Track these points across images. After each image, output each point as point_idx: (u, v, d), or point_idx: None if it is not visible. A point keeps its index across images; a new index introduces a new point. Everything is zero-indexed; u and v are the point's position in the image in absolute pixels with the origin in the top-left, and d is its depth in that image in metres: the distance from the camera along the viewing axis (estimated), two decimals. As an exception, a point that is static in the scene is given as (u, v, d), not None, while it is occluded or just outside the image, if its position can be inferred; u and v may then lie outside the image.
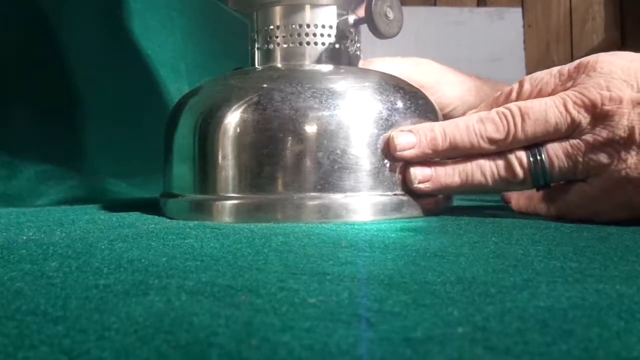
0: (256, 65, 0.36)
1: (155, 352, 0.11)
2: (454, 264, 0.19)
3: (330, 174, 0.30)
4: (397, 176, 0.32)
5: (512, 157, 0.31)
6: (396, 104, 0.32)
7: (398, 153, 0.31)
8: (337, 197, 0.30)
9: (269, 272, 0.18)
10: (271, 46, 0.35)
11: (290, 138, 0.30)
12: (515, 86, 0.33)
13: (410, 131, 0.32)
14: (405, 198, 0.32)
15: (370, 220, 0.30)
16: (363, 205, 0.30)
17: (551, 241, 0.24)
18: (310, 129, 0.30)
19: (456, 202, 0.38)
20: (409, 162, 0.32)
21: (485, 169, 0.31)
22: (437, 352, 0.11)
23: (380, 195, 0.31)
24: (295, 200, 0.30)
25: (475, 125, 0.31)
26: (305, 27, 0.35)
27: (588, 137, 0.29)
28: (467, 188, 0.32)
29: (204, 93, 0.35)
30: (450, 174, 0.32)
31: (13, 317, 0.13)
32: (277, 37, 0.35)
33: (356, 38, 0.36)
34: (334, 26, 0.35)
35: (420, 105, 0.34)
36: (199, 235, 0.25)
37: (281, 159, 0.30)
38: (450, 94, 0.47)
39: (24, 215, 0.35)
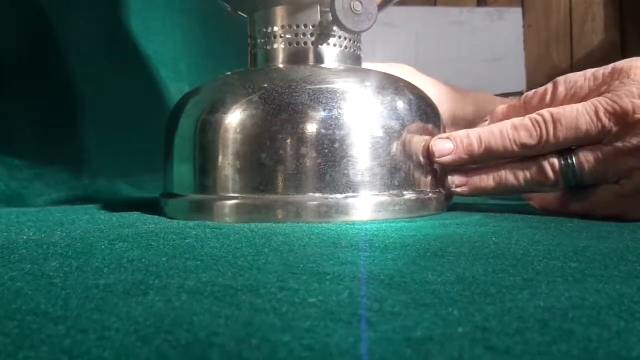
0: (257, 66, 0.36)
1: (155, 352, 0.11)
2: (454, 264, 0.19)
3: (331, 173, 0.30)
4: (398, 177, 0.32)
5: (544, 162, 0.32)
6: (397, 104, 0.32)
7: (437, 159, 0.33)
8: (337, 197, 0.30)
9: (269, 272, 0.18)
10: (271, 46, 0.35)
11: (290, 138, 0.30)
12: (550, 87, 0.34)
13: (448, 138, 0.34)
14: (405, 198, 0.32)
15: (371, 220, 0.30)
16: (363, 205, 0.30)
17: (551, 241, 0.24)
18: (311, 129, 0.30)
19: (456, 202, 0.38)
20: (446, 167, 0.34)
21: (518, 174, 0.33)
22: (438, 352, 0.11)
23: (381, 195, 0.31)
24: (296, 200, 0.30)
25: (510, 132, 0.33)
26: (303, 27, 0.35)
27: (619, 144, 0.30)
28: (502, 191, 0.34)
29: (205, 93, 0.35)
30: (485, 179, 0.34)
31: (14, 317, 0.13)
32: (277, 37, 0.35)
33: (357, 38, 0.36)
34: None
35: (421, 105, 0.34)
36: (200, 235, 0.25)
37: (281, 159, 0.30)
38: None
39: (24, 215, 0.35)
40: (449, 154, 0.33)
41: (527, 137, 0.32)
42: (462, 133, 0.34)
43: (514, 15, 1.58)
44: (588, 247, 0.22)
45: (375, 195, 0.31)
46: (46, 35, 0.53)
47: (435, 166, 0.34)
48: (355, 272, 0.18)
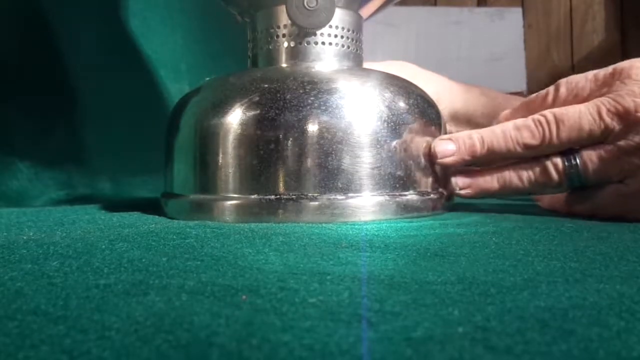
0: (257, 65, 0.36)
1: (155, 352, 0.11)
2: (454, 264, 0.19)
3: (331, 173, 0.30)
4: (398, 177, 0.32)
5: (548, 163, 0.32)
6: (398, 104, 0.32)
7: (439, 160, 0.33)
8: (337, 197, 0.30)
9: (269, 272, 0.18)
10: (272, 46, 0.35)
11: (291, 138, 0.30)
12: (551, 89, 0.34)
13: (450, 139, 0.34)
14: (405, 198, 0.32)
15: (371, 220, 0.30)
16: (364, 205, 0.30)
17: (551, 241, 0.24)
18: (312, 128, 0.30)
19: (457, 202, 0.38)
20: (448, 168, 0.34)
21: (522, 175, 0.33)
22: (438, 351, 0.11)
23: (381, 195, 0.31)
24: (296, 200, 0.30)
25: (512, 132, 0.33)
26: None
27: (622, 143, 0.30)
28: (506, 192, 0.34)
29: (205, 93, 0.35)
30: (489, 181, 0.34)
31: (14, 316, 0.13)
32: (278, 37, 0.35)
33: (358, 37, 0.36)
34: (334, 26, 0.35)
35: (421, 104, 0.34)
36: (200, 235, 0.25)
37: (282, 159, 0.30)
38: (428, 91, 0.47)
39: (24, 215, 0.35)
40: (451, 155, 0.33)
41: (530, 138, 0.32)
42: (465, 134, 0.34)
43: (514, 15, 1.58)
44: (588, 247, 0.22)
45: (376, 195, 0.31)
46: (46, 35, 0.53)
47: (437, 167, 0.34)
48: (355, 272, 0.18)
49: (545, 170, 0.32)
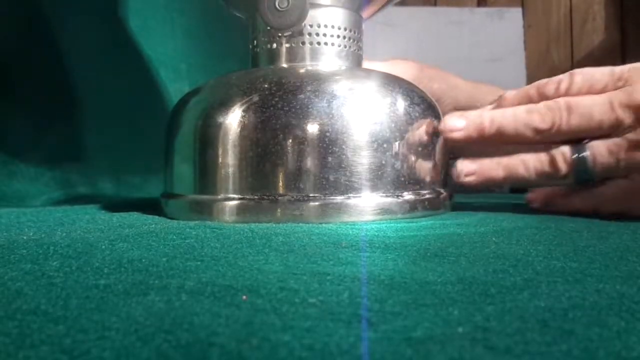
0: (258, 65, 0.36)
1: (155, 352, 0.11)
2: (454, 264, 0.19)
3: (331, 174, 0.30)
4: (398, 177, 0.32)
5: (556, 153, 0.32)
6: (398, 104, 0.32)
7: (447, 134, 0.34)
8: (337, 198, 0.30)
9: (269, 272, 0.18)
10: (273, 46, 0.35)
11: (291, 138, 0.30)
12: (566, 77, 0.34)
13: (461, 115, 0.34)
14: (405, 198, 0.32)
15: (371, 220, 0.30)
16: (364, 205, 0.30)
17: (551, 241, 0.24)
18: (312, 128, 0.30)
19: (456, 202, 0.38)
20: (455, 144, 0.34)
21: (528, 164, 0.33)
22: (438, 351, 0.11)
23: (381, 195, 0.31)
24: (296, 201, 0.30)
25: (523, 115, 0.33)
26: (308, 27, 0.34)
27: (631, 136, 0.30)
28: (511, 181, 0.34)
29: (205, 93, 0.35)
30: (494, 168, 0.34)
31: (14, 316, 0.13)
32: (278, 37, 0.35)
33: (358, 37, 0.36)
34: (336, 26, 0.35)
35: (421, 105, 0.34)
36: (200, 235, 0.25)
37: (282, 159, 0.30)
38: (432, 88, 0.47)
39: (24, 215, 0.35)
40: (459, 130, 0.33)
41: (540, 121, 0.32)
42: (476, 112, 0.34)
43: (514, 15, 1.57)
44: (588, 247, 0.22)
45: (376, 195, 0.31)
46: (46, 35, 0.53)
47: (438, 166, 0.34)
48: (355, 272, 0.18)
49: (552, 161, 0.32)
